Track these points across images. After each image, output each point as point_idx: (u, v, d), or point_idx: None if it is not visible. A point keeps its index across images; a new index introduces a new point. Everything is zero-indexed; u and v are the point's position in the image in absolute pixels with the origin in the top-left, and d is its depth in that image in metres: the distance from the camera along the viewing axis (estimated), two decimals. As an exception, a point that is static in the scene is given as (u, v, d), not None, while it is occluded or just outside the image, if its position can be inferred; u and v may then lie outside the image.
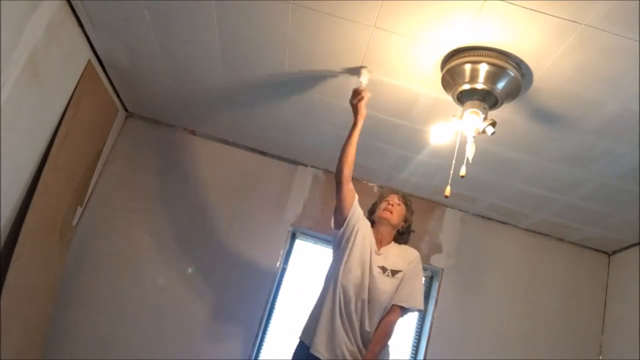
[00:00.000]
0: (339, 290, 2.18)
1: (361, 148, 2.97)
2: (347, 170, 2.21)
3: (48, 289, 2.81)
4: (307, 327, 2.25)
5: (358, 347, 2.17)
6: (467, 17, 1.77)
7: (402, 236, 2.39)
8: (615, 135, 2.23)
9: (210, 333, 3.07)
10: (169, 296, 3.11)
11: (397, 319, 2.24)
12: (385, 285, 2.22)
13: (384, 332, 2.20)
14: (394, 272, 2.25)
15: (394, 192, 2.45)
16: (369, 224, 2.33)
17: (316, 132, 2.96)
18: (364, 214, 2.34)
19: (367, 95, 2.18)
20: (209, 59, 2.48)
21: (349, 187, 2.22)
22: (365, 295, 2.19)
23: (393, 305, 2.23)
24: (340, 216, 2.23)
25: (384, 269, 2.24)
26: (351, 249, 2.22)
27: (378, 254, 2.28)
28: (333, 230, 2.29)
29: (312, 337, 2.17)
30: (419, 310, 2.29)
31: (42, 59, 2.28)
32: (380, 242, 2.33)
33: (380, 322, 2.21)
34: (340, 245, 2.26)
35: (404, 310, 2.26)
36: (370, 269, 2.23)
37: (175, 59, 2.57)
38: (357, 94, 2.17)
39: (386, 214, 2.32)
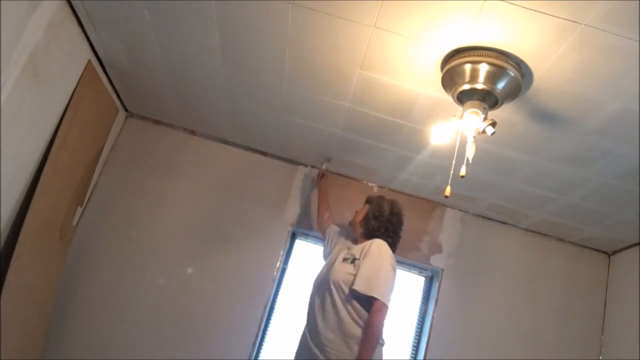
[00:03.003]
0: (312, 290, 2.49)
1: (361, 148, 3.00)
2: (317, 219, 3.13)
3: (48, 289, 2.81)
4: None
5: (324, 338, 2.24)
6: (467, 17, 1.78)
7: (372, 231, 2.51)
8: (615, 135, 2.23)
9: (210, 333, 3.07)
10: (169, 296, 3.11)
11: (376, 313, 2.16)
12: (339, 267, 2.38)
13: (365, 329, 2.17)
14: (354, 259, 2.36)
15: None
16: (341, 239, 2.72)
17: (316, 132, 2.96)
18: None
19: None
20: (209, 59, 2.48)
21: (322, 226, 3.00)
22: (324, 285, 2.38)
23: (355, 293, 2.24)
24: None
25: (345, 258, 2.41)
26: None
27: (348, 249, 2.50)
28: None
29: None
30: (374, 298, 2.17)
31: (42, 59, 2.28)
32: (355, 242, 2.59)
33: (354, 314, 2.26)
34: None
35: (376, 302, 2.18)
36: (333, 263, 2.44)
37: (175, 59, 2.57)
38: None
39: (350, 221, 2.71)
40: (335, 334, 2.20)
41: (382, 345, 2.30)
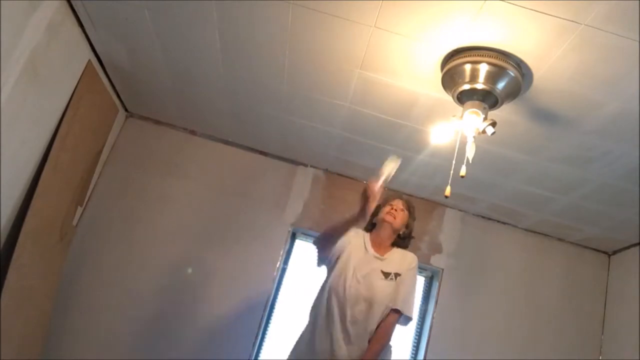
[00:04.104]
0: (332, 298, 2.24)
1: (361, 148, 3.00)
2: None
3: (48, 289, 2.81)
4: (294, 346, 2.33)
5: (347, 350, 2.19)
6: (467, 17, 1.77)
7: (403, 241, 2.42)
8: (615, 135, 2.23)
9: (210, 333, 3.07)
10: (169, 296, 3.11)
11: (396, 321, 2.26)
12: (386, 288, 2.26)
13: (384, 332, 2.22)
14: (396, 275, 2.29)
15: (399, 197, 2.45)
16: (357, 234, 2.37)
17: (316, 132, 2.96)
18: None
19: (378, 194, 2.14)
20: (209, 59, 2.48)
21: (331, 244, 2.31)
22: (362, 299, 2.23)
23: (391, 309, 2.25)
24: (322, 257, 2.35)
25: (386, 274, 2.29)
26: (339, 264, 2.31)
27: (380, 259, 2.32)
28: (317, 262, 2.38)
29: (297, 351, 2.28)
30: (409, 319, 2.28)
31: (42, 59, 2.28)
32: (379, 245, 2.36)
33: (379, 324, 2.24)
34: (328, 268, 2.38)
35: (400, 316, 2.26)
36: (367, 277, 2.27)
37: (175, 58, 2.57)
38: (367, 195, 2.13)
39: (389, 218, 2.33)
40: (360, 345, 2.19)
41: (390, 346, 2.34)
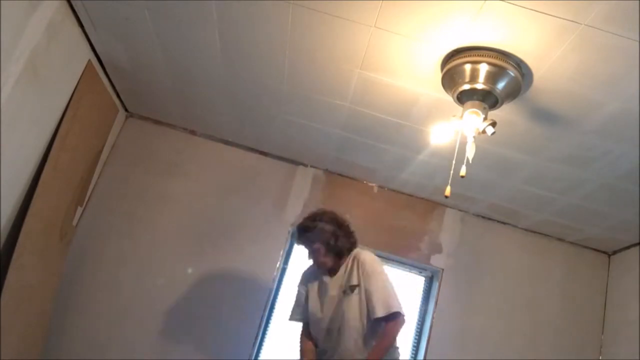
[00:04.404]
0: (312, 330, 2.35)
1: (361, 148, 3.00)
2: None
3: (48, 289, 2.81)
4: None
5: None
6: (467, 17, 1.78)
7: (340, 253, 2.29)
8: (615, 135, 2.23)
9: (210, 333, 3.07)
10: (169, 297, 3.11)
11: (395, 324, 2.17)
12: (353, 303, 2.21)
13: (386, 333, 2.19)
14: (352, 288, 2.22)
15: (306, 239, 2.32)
16: (308, 270, 2.46)
17: (316, 132, 2.96)
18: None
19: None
20: (209, 59, 2.48)
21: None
22: (334, 325, 2.24)
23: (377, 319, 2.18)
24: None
25: (352, 287, 2.22)
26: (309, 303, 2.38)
27: (334, 279, 2.30)
28: None
29: None
30: (397, 313, 2.15)
31: (42, 59, 2.28)
32: (331, 273, 2.33)
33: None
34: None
35: (398, 317, 2.17)
36: (335, 299, 2.26)
37: (175, 58, 2.57)
38: None
39: (317, 265, 2.33)
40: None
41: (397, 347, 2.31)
